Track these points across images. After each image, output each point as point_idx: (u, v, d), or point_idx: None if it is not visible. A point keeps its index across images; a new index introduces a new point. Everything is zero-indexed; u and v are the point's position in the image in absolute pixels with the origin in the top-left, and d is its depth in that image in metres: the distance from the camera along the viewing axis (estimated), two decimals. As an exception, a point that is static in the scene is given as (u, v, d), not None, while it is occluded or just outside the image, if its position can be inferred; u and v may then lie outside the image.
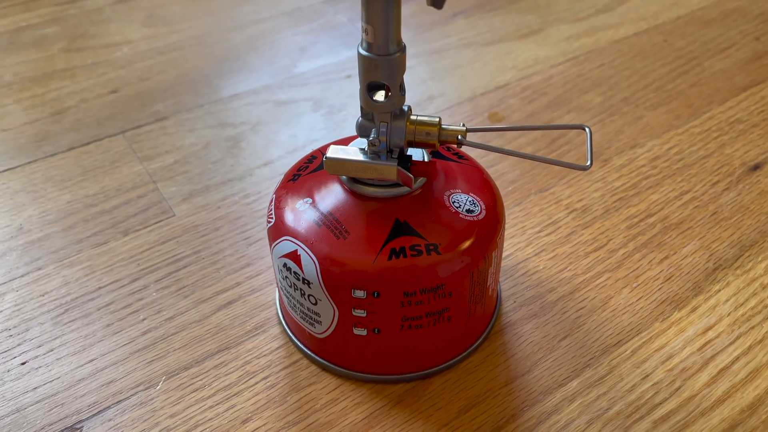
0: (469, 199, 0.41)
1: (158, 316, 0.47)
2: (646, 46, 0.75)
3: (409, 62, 0.70)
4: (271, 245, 0.42)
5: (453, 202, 0.40)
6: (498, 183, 0.57)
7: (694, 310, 0.47)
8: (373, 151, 0.39)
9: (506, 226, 0.53)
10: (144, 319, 0.47)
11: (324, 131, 0.64)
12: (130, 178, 0.59)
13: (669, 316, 0.47)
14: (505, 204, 0.55)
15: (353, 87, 0.70)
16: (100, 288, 0.49)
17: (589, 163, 0.37)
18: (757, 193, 0.56)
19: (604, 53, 0.74)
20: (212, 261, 0.51)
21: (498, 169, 0.59)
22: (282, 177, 0.44)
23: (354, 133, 0.63)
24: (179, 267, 0.51)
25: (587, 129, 0.40)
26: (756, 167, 0.58)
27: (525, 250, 0.52)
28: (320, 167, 0.43)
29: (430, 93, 0.68)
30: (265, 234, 0.53)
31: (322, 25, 0.80)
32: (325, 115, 0.66)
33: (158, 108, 0.67)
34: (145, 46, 0.76)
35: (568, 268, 0.50)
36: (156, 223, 0.55)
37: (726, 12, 0.81)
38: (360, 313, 0.39)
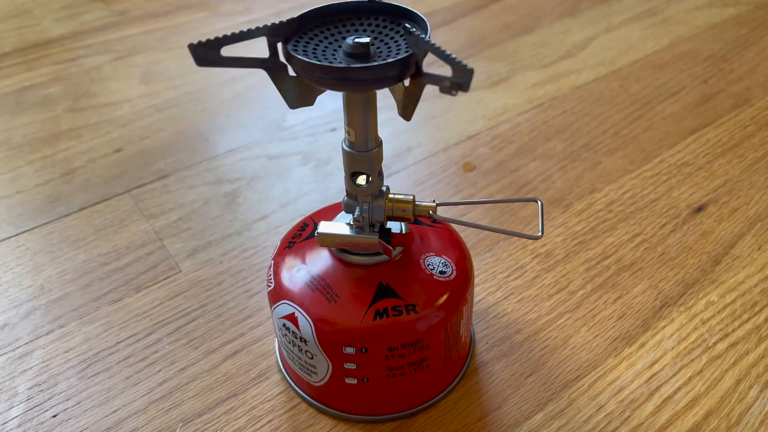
0: (442, 261, 0.47)
1: (172, 367, 0.53)
2: (605, 91, 0.82)
3: (388, 113, 0.76)
4: (271, 306, 0.48)
5: (428, 265, 0.47)
6: (470, 230, 0.63)
7: (642, 345, 0.54)
8: (357, 226, 0.45)
9: (478, 272, 0.59)
10: (160, 371, 0.53)
11: (313, 184, 0.70)
12: (139, 236, 0.65)
13: (621, 352, 0.53)
14: (476, 251, 0.61)
15: (338, 140, 0.76)
16: (118, 343, 0.55)
17: (540, 233, 0.44)
18: (700, 233, 0.63)
19: (567, 99, 0.81)
20: (217, 314, 0.57)
21: (470, 217, 0.65)
22: (279, 242, 0.51)
23: (340, 186, 0.70)
24: (188, 320, 0.57)
25: (539, 202, 0.46)
26: (700, 209, 0.65)
27: (495, 294, 0.58)
28: (312, 235, 0.49)
29: (408, 144, 0.75)
30: (264, 286, 0.59)
31: (307, 78, 0.86)
32: (313, 168, 0.72)
33: (160, 166, 0.73)
34: (144, 104, 0.82)
35: (533, 310, 0.57)
36: (164, 279, 0.61)
37: (678, 55, 0.88)
38: (350, 365, 0.45)
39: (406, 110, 0.38)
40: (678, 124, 0.76)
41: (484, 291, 0.59)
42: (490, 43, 0.92)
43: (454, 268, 0.47)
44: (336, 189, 0.70)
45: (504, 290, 0.59)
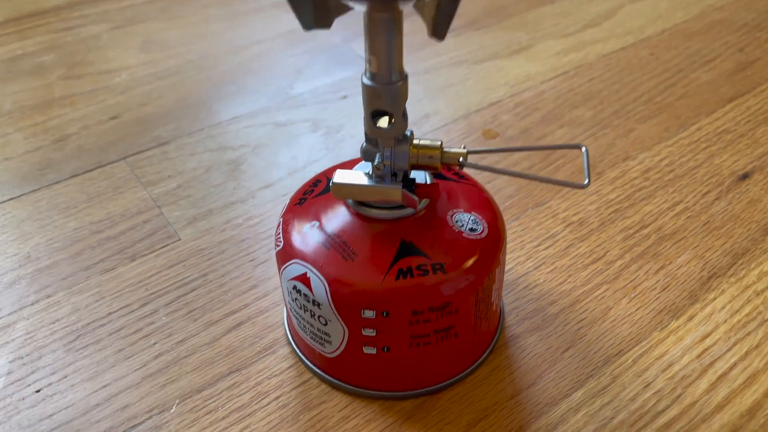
0: (472, 218, 0.42)
1: (169, 340, 0.48)
2: (633, 59, 0.77)
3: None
4: (280, 268, 0.43)
5: (456, 222, 0.42)
6: (495, 198, 0.58)
7: (691, 318, 0.48)
8: (377, 175, 0.40)
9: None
10: (155, 343, 0.48)
11: (323, 151, 0.65)
12: (135, 204, 0.60)
13: (667, 325, 0.48)
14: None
15: (350, 107, 0.71)
16: (110, 314, 0.50)
17: (586, 181, 0.39)
18: (747, 201, 0.57)
19: (593, 67, 0.76)
20: (219, 284, 0.52)
21: (495, 185, 0.60)
22: (288, 201, 0.46)
23: (352, 153, 0.65)
24: (187, 290, 0.52)
25: (583, 148, 0.41)
26: (745, 176, 0.60)
27: (525, 264, 0.53)
28: (325, 190, 0.44)
29: (425, 111, 0.70)
30: (270, 255, 0.54)
31: (316, 47, 0.81)
32: (323, 135, 0.67)
33: (159, 133, 0.68)
34: (143, 72, 0.77)
35: (568, 281, 0.51)
36: (162, 247, 0.56)
37: (710, 24, 0.83)
38: (369, 332, 0.40)
39: (439, 28, 0.33)
40: (715, 92, 0.71)
41: (512, 261, 0.53)
42: (510, 13, 0.87)
43: (486, 225, 0.42)
44: (349, 156, 0.65)
45: (534, 260, 0.53)
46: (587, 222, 0.56)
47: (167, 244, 0.56)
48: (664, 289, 0.50)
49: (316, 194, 0.44)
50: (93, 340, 0.49)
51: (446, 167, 0.46)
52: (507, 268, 0.53)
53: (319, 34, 0.83)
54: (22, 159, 0.65)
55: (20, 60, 0.81)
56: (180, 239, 0.56)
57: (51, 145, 0.67)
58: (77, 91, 0.75)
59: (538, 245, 0.55)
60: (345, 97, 0.73)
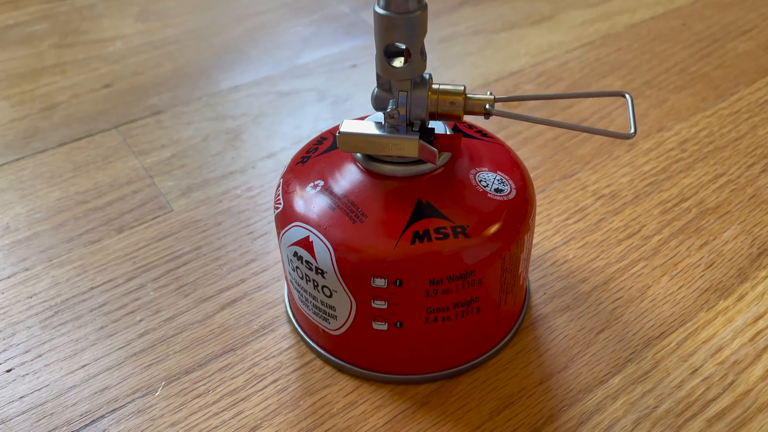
0: (498, 177, 0.37)
1: (156, 317, 0.43)
2: (664, 29, 0.71)
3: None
4: (279, 233, 0.38)
5: (480, 181, 0.37)
6: (518, 170, 0.53)
7: (741, 298, 0.43)
8: (391, 125, 0.35)
9: (531, 213, 0.49)
10: (141, 320, 0.43)
11: (330, 121, 0.60)
12: (125, 174, 0.55)
13: (714, 305, 0.43)
14: (527, 191, 0.51)
15: (359, 76, 0.66)
16: (92, 288, 0.46)
17: (632, 130, 0.34)
18: (797, 174, 0.52)
19: (621, 37, 0.70)
20: (214, 257, 0.47)
21: (518, 155, 0.55)
22: (289, 161, 0.41)
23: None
24: (178, 264, 0.47)
25: (628, 96, 0.36)
26: (793, 148, 0.55)
27: (552, 238, 0.48)
28: (331, 148, 0.39)
29: (440, 80, 0.65)
30: (271, 228, 0.49)
31: (323, 17, 0.76)
32: (330, 104, 0.62)
33: (154, 102, 0.63)
34: (140, 41, 0.73)
35: (601, 257, 0.46)
36: (153, 219, 0.51)
37: (745, -5, 0.77)
38: (380, 304, 0.35)
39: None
40: (754, 62, 0.65)
41: (538, 235, 0.48)
42: (529, -16, 0.82)
43: (514, 186, 0.37)
44: (357, 126, 0.59)
45: (563, 234, 0.48)
46: (620, 195, 0.51)
47: (158, 216, 0.51)
48: (709, 267, 0.45)
49: (320, 152, 0.39)
50: (72, 316, 0.44)
51: (467, 126, 0.41)
52: (533, 242, 0.47)
53: (326, 4, 0.78)
54: (7, 127, 0.61)
55: (11, 29, 0.76)
56: (172, 210, 0.51)
57: (38, 114, 0.62)
58: (69, 59, 0.70)
59: (567, 219, 0.49)
60: (354, 66, 0.68)
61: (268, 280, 0.46)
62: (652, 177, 0.53)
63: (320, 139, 0.41)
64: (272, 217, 0.50)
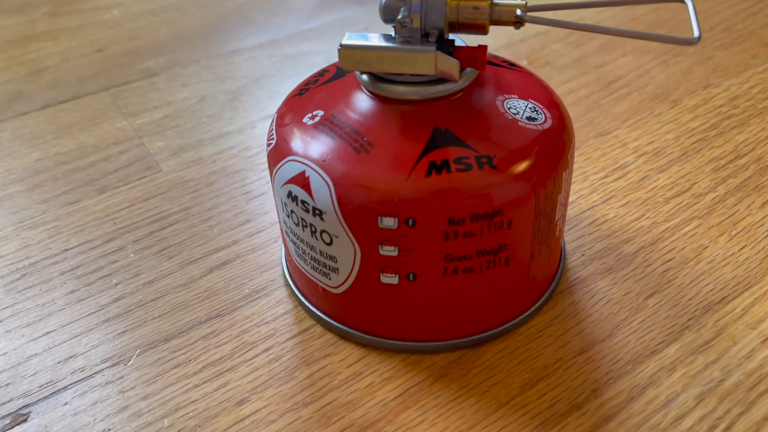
0: (530, 105, 0.31)
1: (135, 280, 0.38)
2: (705, -10, 0.65)
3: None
4: (272, 173, 0.32)
5: (509, 108, 0.31)
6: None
7: (815, 259, 0.37)
8: (403, 36, 0.29)
9: (564, 169, 0.43)
10: (117, 284, 0.38)
11: (338, 82, 0.55)
12: (112, 134, 0.50)
13: (784, 267, 0.36)
14: (559, 147, 0.45)
15: (371, 39, 0.61)
16: (66, 250, 0.40)
17: (697, 34, 0.28)
18: None
19: (657, -2, 0.64)
20: (204, 218, 0.42)
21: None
22: (286, 96, 0.35)
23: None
24: (164, 225, 0.42)
25: (688, 0, 0.30)
26: None
27: (589, 197, 0.42)
28: (334, 78, 0.34)
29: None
30: (269, 188, 0.44)
31: (334, -16, 0.71)
32: (339, 66, 0.57)
33: (148, 65, 0.58)
34: (138, 8, 0.68)
35: (646, 216, 0.40)
36: (139, 179, 0.45)
37: (791, -44, 0.71)
38: (389, 250, 0.29)
39: None
40: (808, 20, 0.59)
41: (573, 194, 0.42)
42: (555, -49, 0.77)
43: (549, 115, 0.31)
44: (368, 86, 0.54)
45: (601, 193, 0.42)
46: (665, 152, 0.45)
47: (145, 176, 0.46)
48: (774, 226, 0.39)
49: (321, 83, 0.34)
50: (40, 279, 0.38)
51: (492, 56, 0.35)
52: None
53: (338, -29, 0.73)
54: (-11, 91, 0.56)
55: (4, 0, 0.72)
56: (161, 171, 0.46)
57: (24, 77, 0.58)
58: (62, 26, 0.66)
59: (605, 177, 0.43)
60: (366, 28, 0.62)
61: (264, 242, 0.40)
62: (700, 134, 0.46)
63: (322, 72, 0.35)
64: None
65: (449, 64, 0.29)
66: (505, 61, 0.35)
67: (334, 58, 0.58)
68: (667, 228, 0.39)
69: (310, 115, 0.32)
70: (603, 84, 0.52)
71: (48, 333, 0.35)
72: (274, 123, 0.33)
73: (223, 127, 0.50)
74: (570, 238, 0.39)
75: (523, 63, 0.56)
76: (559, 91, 0.52)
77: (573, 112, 0.49)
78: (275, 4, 0.68)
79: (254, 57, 0.59)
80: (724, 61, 0.54)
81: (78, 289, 0.38)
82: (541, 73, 0.54)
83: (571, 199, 0.42)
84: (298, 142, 0.31)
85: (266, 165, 0.46)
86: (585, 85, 0.52)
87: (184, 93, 0.54)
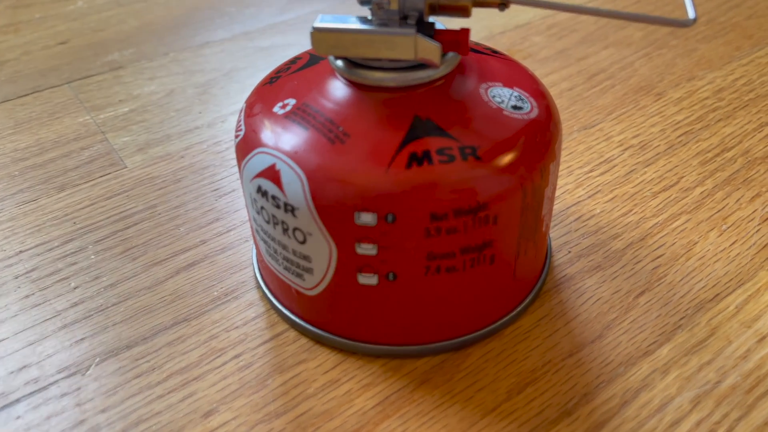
0: (515, 94, 0.30)
1: (95, 284, 0.35)
2: (686, -17, 0.64)
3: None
4: (240, 166, 0.30)
5: (493, 97, 0.29)
6: (531, 120, 0.45)
7: (808, 254, 0.35)
8: (380, 18, 0.27)
9: (548, 163, 0.41)
10: (76, 288, 0.35)
11: (313, 75, 0.53)
12: (73, 129, 0.47)
13: (777, 263, 0.35)
14: (543, 141, 0.43)
15: (347, 31, 0.59)
16: (20, 252, 0.38)
17: (692, 15, 0.26)
18: None
19: (639, -9, 0.63)
20: (171, 216, 0.40)
21: (529, 107, 0.47)
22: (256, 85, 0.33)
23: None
24: (128, 225, 0.39)
25: (680, -19, 0.29)
26: None
27: (575, 192, 0.40)
28: (308, 65, 0.32)
29: (438, 34, 0.57)
30: (240, 184, 0.42)
31: (309, -25, 0.69)
32: (314, 59, 0.55)
33: (114, 57, 0.56)
34: (103, -1, 0.65)
35: (634, 211, 0.39)
36: (101, 176, 0.43)
37: (770, -50, 0.70)
38: (367, 249, 0.27)
39: None
40: (790, 12, 0.58)
41: (558, 189, 0.41)
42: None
43: (535, 104, 0.29)
44: (344, 80, 0.52)
45: (587, 187, 0.40)
46: (651, 145, 0.44)
47: (108, 173, 0.43)
48: (765, 220, 0.38)
49: (293, 71, 0.32)
50: (-7, 283, 0.36)
51: (475, 43, 0.33)
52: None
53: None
54: (-58, 84, 0.53)
55: (-38, -9, 0.69)
56: (126, 167, 0.44)
57: (-19, 71, 0.55)
58: (24, 18, 0.63)
59: (591, 171, 0.42)
60: (341, 21, 0.60)
61: (235, 241, 0.38)
62: (686, 126, 0.45)
63: (294, 59, 0.33)
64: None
65: (430, 48, 0.27)
66: (488, 49, 0.33)
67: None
68: (656, 223, 0.38)
69: (281, 104, 0.30)
70: (586, 77, 0.51)
71: (-1, 341, 0.33)
72: (242, 113, 0.31)
73: (192, 122, 0.48)
74: (556, 234, 0.37)
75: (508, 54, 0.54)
76: (544, 81, 0.50)
77: (556, 103, 0.48)
78: (247, -5, 0.65)
79: (225, 50, 0.57)
80: (708, 53, 0.53)
81: (33, 294, 0.35)
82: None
83: (556, 194, 0.40)
84: (267, 132, 0.29)
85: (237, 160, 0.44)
86: (567, 77, 0.51)
87: (151, 86, 0.52)
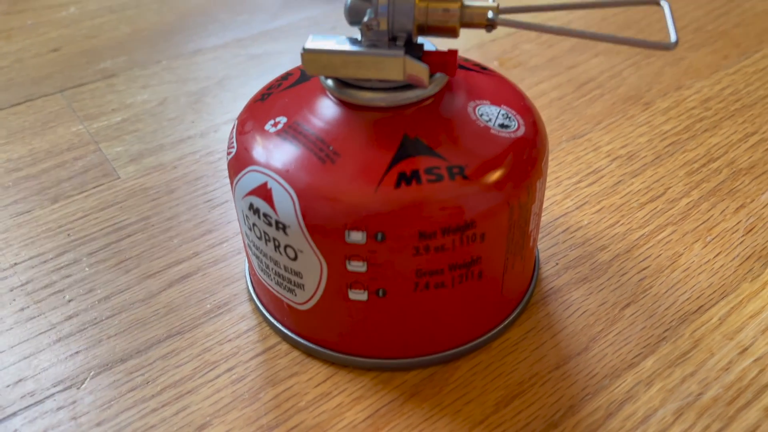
0: (502, 112, 0.30)
1: (89, 296, 0.36)
2: (675, -10, 0.65)
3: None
4: (232, 183, 0.31)
5: (480, 115, 0.29)
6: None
7: (790, 265, 0.36)
8: (369, 39, 0.28)
9: (537, 174, 0.42)
10: (70, 301, 0.36)
11: (305, 84, 0.53)
12: (66, 139, 0.48)
13: (760, 275, 0.36)
14: (532, 151, 0.44)
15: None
16: (15, 264, 0.38)
17: (674, 38, 0.27)
18: (840, 131, 0.45)
19: (628, -2, 0.64)
20: (164, 228, 0.40)
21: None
22: (247, 102, 0.33)
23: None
24: (121, 237, 0.40)
25: (664, 3, 0.29)
26: (831, 104, 0.48)
27: (563, 203, 0.41)
28: (298, 82, 0.32)
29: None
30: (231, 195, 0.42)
31: (301, -19, 0.69)
32: (306, 67, 0.55)
33: (106, 65, 0.56)
34: (95, 5, 0.65)
35: (621, 222, 0.39)
36: (95, 187, 0.43)
37: (759, -44, 0.71)
38: (358, 266, 0.28)
39: None
40: (777, 20, 0.59)
41: (546, 199, 0.41)
42: (525, -51, 0.76)
43: (522, 122, 0.30)
44: (336, 88, 0.52)
45: (575, 198, 0.41)
46: (638, 155, 0.44)
47: (102, 184, 0.44)
48: (749, 232, 0.38)
49: (284, 87, 0.32)
50: (-12, 296, 0.36)
51: (464, 60, 0.34)
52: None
53: (305, -32, 0.71)
54: (-65, 93, 0.53)
55: (-46, -4, 0.69)
56: (119, 178, 0.44)
57: (-27, 79, 0.55)
58: (16, 25, 0.63)
59: (579, 182, 0.42)
60: (334, 28, 0.61)
61: (227, 253, 0.38)
62: (673, 136, 0.46)
63: (285, 75, 0.34)
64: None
65: (418, 70, 0.27)
66: (476, 65, 0.34)
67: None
68: (642, 235, 0.38)
69: (272, 122, 0.30)
70: (575, 85, 0.51)
71: (-5, 355, 0.33)
72: (234, 130, 0.31)
73: (185, 131, 0.48)
74: (544, 245, 0.38)
75: (494, 64, 0.54)
76: (531, 92, 0.51)
77: (545, 114, 0.48)
78: (239, 1, 0.66)
79: (218, 57, 0.57)
80: (696, 62, 0.54)
81: (28, 307, 0.35)
82: (513, 74, 0.53)
83: (544, 205, 0.41)
84: (259, 150, 0.29)
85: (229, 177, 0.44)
86: (557, 86, 0.51)
87: (144, 95, 0.52)
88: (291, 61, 0.56)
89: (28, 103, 0.52)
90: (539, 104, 0.49)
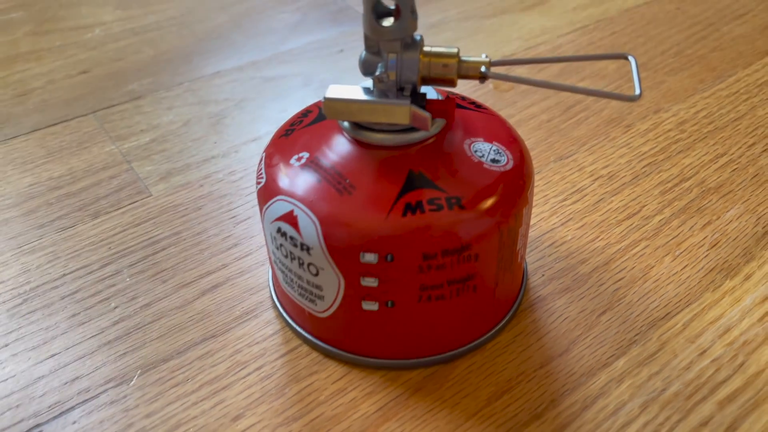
0: (494, 148, 0.35)
1: (132, 304, 0.41)
2: (659, 14, 0.70)
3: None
4: (262, 209, 0.36)
5: (475, 151, 0.34)
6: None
7: (747, 277, 0.41)
8: (380, 90, 0.33)
9: (527, 194, 0.47)
10: (116, 307, 0.41)
11: (316, 106, 0.58)
12: (101, 159, 0.53)
13: (720, 285, 0.41)
14: (522, 172, 0.49)
15: (346, 61, 0.64)
16: (65, 275, 0.43)
17: (638, 92, 0.32)
18: (800, 153, 0.50)
19: (615, 22, 0.69)
20: (194, 242, 0.45)
21: (511, 138, 0.53)
22: (273, 135, 0.38)
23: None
24: (157, 249, 0.44)
25: (631, 58, 0.34)
26: (794, 128, 0.53)
27: (549, 219, 0.46)
28: (317, 120, 0.37)
29: (430, 65, 0.63)
30: (254, 212, 0.47)
31: (309, 3, 0.74)
32: (316, 89, 0.60)
33: (133, 87, 0.61)
34: (119, 28, 0.70)
35: (600, 237, 0.44)
36: (130, 204, 0.48)
37: (738, -20, 0.76)
38: (370, 282, 0.33)
39: None
40: (750, 45, 0.64)
41: (535, 216, 0.46)
42: (520, -29, 0.80)
43: (511, 157, 0.35)
44: (345, 110, 0.57)
45: (560, 215, 0.46)
46: (618, 175, 0.49)
47: (136, 201, 0.48)
48: (713, 246, 0.43)
49: (306, 124, 0.37)
50: (42, 304, 0.41)
51: (461, 98, 0.39)
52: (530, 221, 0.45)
53: (313, -10, 0.76)
54: (-23, 114, 0.58)
55: (-15, 17, 0.73)
56: (151, 195, 0.49)
57: (11, 100, 0.60)
58: (45, 46, 0.68)
59: (564, 200, 0.47)
60: (341, 51, 0.66)
61: (252, 265, 0.43)
62: (650, 157, 0.51)
63: (305, 112, 0.39)
64: (256, 201, 0.48)
65: (422, 117, 0.32)
66: (472, 103, 0.39)
67: (312, 81, 0.61)
68: (619, 249, 0.43)
69: (296, 156, 0.35)
70: (563, 108, 0.56)
71: (53, 356, 0.38)
72: (262, 162, 0.36)
73: (209, 152, 0.53)
74: (532, 258, 0.43)
75: (489, 87, 0.59)
76: (522, 115, 0.56)
77: (535, 136, 0.53)
78: (252, 24, 0.70)
79: (235, 79, 0.62)
80: (674, 85, 0.59)
81: (79, 313, 0.40)
82: (506, 97, 0.58)
83: (533, 221, 0.46)
84: (286, 183, 0.34)
85: (251, 189, 0.49)
86: (546, 109, 0.56)
87: (170, 116, 0.57)
88: (303, 83, 0.61)
89: (64, 123, 0.57)
90: (529, 126, 0.54)
